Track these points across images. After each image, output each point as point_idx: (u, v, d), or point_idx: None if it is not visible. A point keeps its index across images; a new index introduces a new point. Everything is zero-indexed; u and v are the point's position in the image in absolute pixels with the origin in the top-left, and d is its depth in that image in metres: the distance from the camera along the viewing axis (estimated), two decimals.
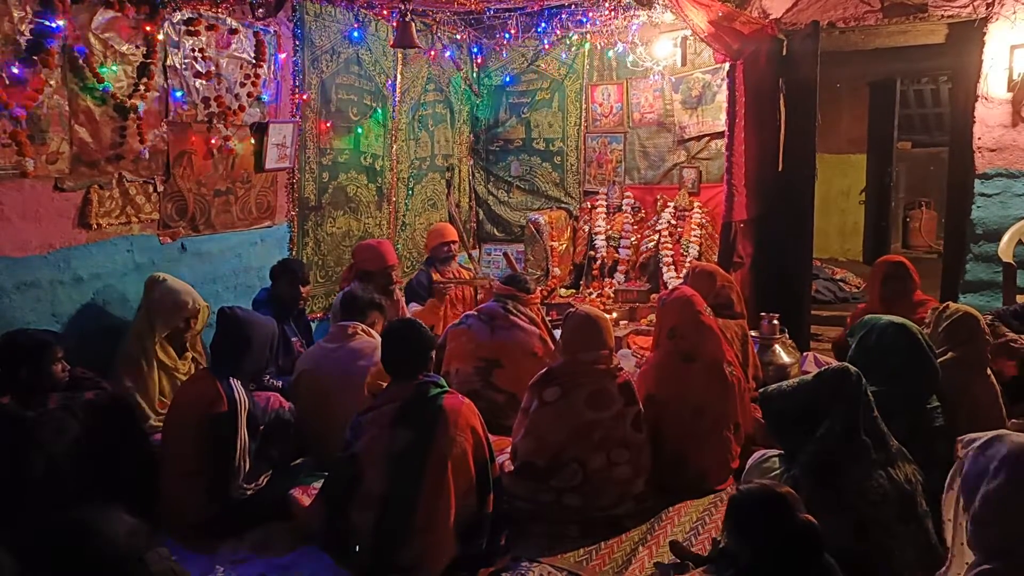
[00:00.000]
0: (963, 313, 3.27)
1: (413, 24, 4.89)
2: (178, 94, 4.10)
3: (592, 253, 6.49)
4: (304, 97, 5.03)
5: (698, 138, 6.30)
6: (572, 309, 3.55)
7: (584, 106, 6.79)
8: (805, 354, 4.80)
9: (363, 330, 3.63)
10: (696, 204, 6.17)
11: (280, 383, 3.84)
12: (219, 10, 4.28)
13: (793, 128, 5.31)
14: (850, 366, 2.70)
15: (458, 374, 3.91)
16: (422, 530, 2.65)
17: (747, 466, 3.09)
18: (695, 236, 6.04)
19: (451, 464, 2.70)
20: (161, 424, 3.33)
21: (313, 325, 4.92)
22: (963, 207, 5.28)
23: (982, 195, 5.12)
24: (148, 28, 3.86)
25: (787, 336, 4.56)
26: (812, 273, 5.71)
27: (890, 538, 2.47)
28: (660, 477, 3.34)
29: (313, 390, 3.50)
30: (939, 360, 3.10)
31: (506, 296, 4.09)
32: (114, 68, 3.72)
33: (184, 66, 4.11)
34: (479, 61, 7.04)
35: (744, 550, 2.17)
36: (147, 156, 3.95)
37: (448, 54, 6.60)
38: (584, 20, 6.24)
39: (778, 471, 2.75)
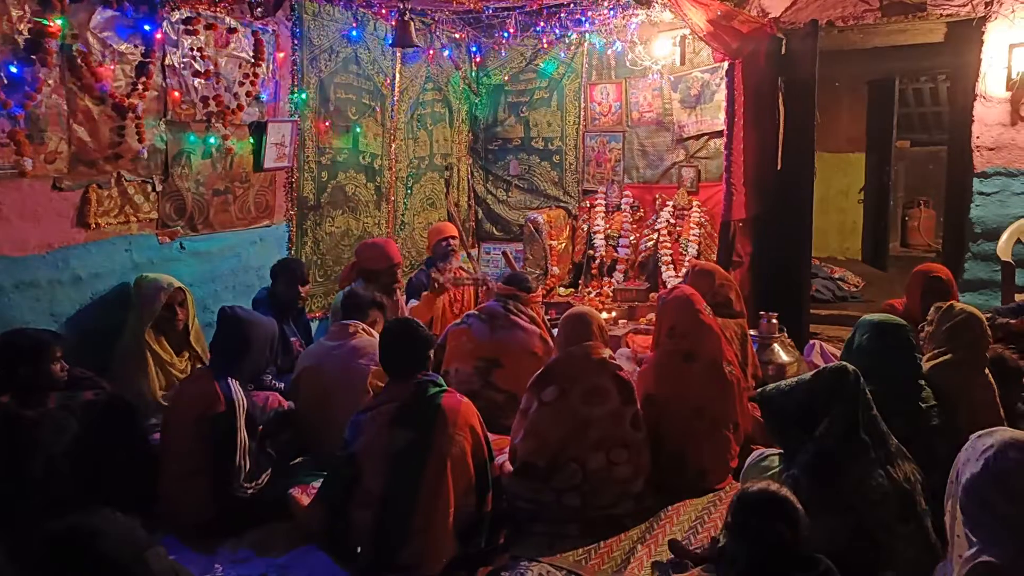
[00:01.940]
0: (968, 315, 3.19)
1: (412, 23, 4.89)
2: (176, 94, 4.09)
3: (591, 252, 6.48)
4: (303, 97, 5.02)
5: (697, 137, 6.29)
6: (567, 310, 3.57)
7: (583, 105, 6.79)
8: (812, 342, 4.79)
9: (364, 329, 3.63)
10: (695, 203, 6.17)
11: (282, 385, 3.84)
12: (217, 9, 4.27)
13: (792, 127, 5.31)
14: (848, 365, 2.70)
15: (457, 374, 3.90)
16: (421, 529, 2.65)
17: (746, 465, 3.10)
18: (694, 235, 6.04)
19: (450, 463, 2.70)
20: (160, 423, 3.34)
21: (312, 324, 4.92)
22: (962, 206, 5.28)
23: (981, 194, 5.13)
24: (146, 27, 3.86)
25: (786, 335, 4.57)
26: (811, 272, 5.71)
27: (890, 537, 2.47)
28: (659, 476, 3.34)
29: (314, 387, 3.51)
30: (938, 360, 3.10)
31: (507, 296, 4.09)
32: (112, 67, 3.71)
33: (183, 65, 4.11)
34: (478, 60, 7.03)
35: (743, 550, 2.17)
36: (146, 155, 3.95)
37: (447, 53, 6.59)
38: (583, 19, 6.23)
39: (777, 470, 2.75)
